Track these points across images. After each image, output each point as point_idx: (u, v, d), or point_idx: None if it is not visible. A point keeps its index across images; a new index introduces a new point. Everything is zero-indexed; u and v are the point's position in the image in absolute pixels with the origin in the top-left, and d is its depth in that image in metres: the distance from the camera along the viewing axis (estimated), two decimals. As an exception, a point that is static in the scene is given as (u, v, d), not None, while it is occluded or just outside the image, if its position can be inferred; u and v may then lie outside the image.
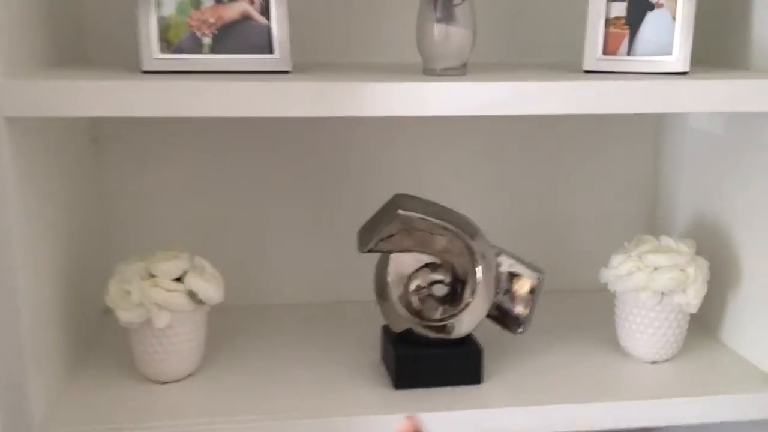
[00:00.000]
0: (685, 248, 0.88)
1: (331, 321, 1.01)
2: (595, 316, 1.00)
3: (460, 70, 0.79)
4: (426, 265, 0.85)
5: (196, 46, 0.76)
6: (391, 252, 0.83)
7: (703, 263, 0.88)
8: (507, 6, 1.01)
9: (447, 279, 0.86)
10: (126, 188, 1.00)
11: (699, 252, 0.90)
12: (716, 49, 0.95)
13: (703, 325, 0.98)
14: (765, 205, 0.87)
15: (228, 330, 0.97)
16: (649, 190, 1.11)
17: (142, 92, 0.68)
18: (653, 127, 1.10)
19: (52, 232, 0.81)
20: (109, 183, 0.99)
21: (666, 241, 0.89)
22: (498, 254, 0.86)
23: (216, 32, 0.76)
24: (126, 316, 0.78)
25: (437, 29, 0.77)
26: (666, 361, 0.90)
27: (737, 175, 0.92)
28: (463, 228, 0.82)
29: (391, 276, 0.83)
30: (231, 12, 0.76)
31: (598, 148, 1.09)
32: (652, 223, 1.12)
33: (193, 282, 0.80)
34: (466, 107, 0.71)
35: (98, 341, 0.92)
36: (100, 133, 0.98)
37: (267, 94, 0.68)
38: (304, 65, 0.85)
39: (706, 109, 0.75)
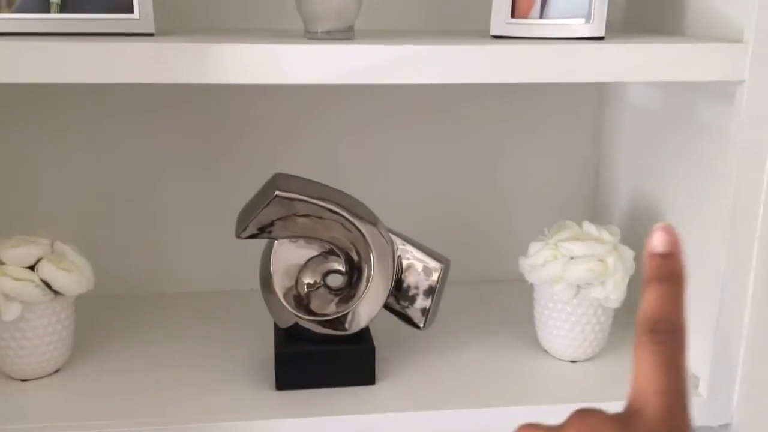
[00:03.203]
0: (608, 236, 0.79)
1: (233, 312, 0.92)
2: (519, 310, 0.90)
3: (345, 34, 0.70)
4: (319, 254, 0.78)
5: (42, 6, 0.67)
6: (273, 238, 0.75)
7: (627, 253, 0.79)
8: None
9: (343, 268, 0.78)
10: (7, 166, 0.92)
11: (634, 240, 0.81)
12: (652, 14, 0.86)
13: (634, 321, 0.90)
14: (698, 191, 0.77)
15: (112, 322, 0.88)
16: (590, 171, 1.02)
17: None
18: (595, 103, 1.00)
19: None
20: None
21: (588, 228, 0.80)
22: (397, 241, 0.78)
23: (66, -11, 0.67)
24: (-29, 307, 0.71)
25: (316, -15, 0.68)
26: (587, 360, 0.81)
27: (671, 156, 0.83)
28: (354, 211, 0.74)
29: (275, 265, 0.75)
30: (82, -34, 0.67)
31: (530, 124, 0.99)
32: (594, 207, 1.02)
33: (47, 270, 0.71)
34: (330, 74, 0.62)
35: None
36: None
37: (92, 56, 0.59)
38: (189, 30, 0.76)
39: (614, 78, 0.66)
